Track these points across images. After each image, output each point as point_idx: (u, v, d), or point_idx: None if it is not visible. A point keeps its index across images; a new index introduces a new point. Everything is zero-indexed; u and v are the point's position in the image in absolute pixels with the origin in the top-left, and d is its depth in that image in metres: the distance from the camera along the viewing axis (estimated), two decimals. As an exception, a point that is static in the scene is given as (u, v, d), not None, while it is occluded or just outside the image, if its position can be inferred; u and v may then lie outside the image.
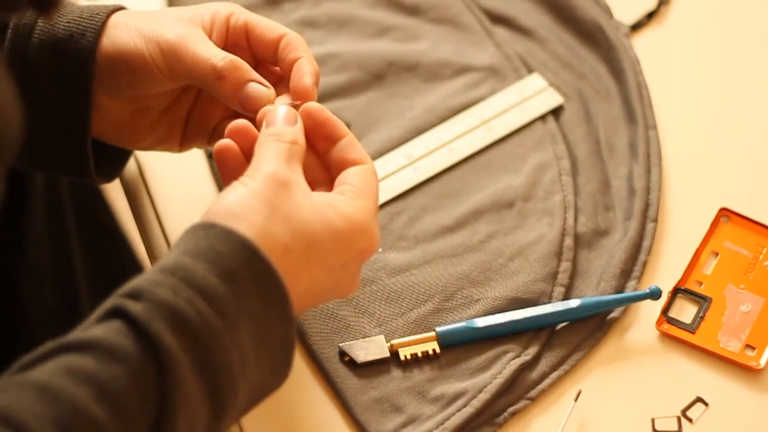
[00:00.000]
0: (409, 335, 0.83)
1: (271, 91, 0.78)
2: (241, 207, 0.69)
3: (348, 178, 0.74)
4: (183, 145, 0.84)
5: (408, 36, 0.98)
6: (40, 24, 0.78)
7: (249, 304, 0.67)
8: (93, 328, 0.64)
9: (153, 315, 0.64)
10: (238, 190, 0.70)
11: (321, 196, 0.72)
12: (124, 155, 0.86)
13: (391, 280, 0.86)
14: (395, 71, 0.96)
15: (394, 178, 0.91)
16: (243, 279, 0.67)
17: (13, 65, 0.78)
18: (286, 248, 0.69)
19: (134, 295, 0.65)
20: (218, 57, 0.77)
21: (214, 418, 0.66)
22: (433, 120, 0.94)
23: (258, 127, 0.75)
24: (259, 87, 0.77)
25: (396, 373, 0.82)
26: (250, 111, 0.77)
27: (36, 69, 0.78)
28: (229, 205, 0.69)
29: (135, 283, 0.66)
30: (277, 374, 0.69)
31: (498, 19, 1.00)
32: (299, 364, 0.83)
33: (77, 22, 0.78)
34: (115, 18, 0.79)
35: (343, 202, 0.72)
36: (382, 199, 0.89)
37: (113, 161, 0.85)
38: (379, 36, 0.98)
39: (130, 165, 0.93)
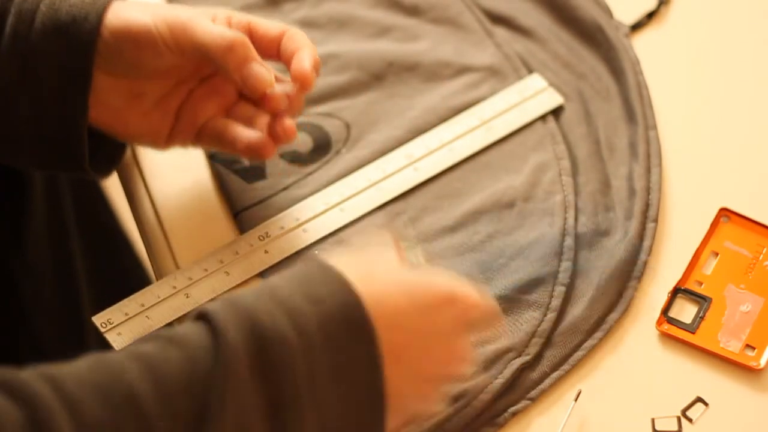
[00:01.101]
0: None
1: (272, 75, 0.81)
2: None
3: None
4: (169, 139, 0.85)
5: (408, 36, 0.98)
6: (43, 8, 0.79)
7: (329, 327, 0.64)
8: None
9: (223, 307, 0.64)
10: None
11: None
12: (116, 153, 0.87)
13: (392, 280, 0.86)
14: (395, 71, 0.96)
15: (394, 178, 0.91)
16: (326, 303, 0.65)
17: (15, 49, 0.79)
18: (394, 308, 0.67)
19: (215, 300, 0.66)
20: (228, 31, 0.80)
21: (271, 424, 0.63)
22: (434, 120, 0.94)
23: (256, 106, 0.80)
24: (262, 68, 0.81)
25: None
26: (251, 89, 0.81)
27: (38, 52, 0.80)
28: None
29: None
30: (366, 416, 0.64)
31: (498, 19, 1.00)
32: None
33: (80, 6, 0.79)
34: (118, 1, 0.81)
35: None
36: (383, 200, 0.90)
37: (107, 157, 0.86)
38: (379, 36, 0.98)
39: (130, 165, 0.93)
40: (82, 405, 0.59)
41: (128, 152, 0.93)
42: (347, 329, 0.64)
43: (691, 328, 0.83)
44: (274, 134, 0.83)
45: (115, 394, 0.60)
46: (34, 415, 0.58)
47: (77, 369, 0.61)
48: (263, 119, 0.83)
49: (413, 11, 1.00)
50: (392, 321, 0.66)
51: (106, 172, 0.88)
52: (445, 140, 0.93)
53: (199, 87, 0.85)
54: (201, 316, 0.64)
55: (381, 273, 0.68)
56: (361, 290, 0.65)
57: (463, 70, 0.96)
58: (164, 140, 0.85)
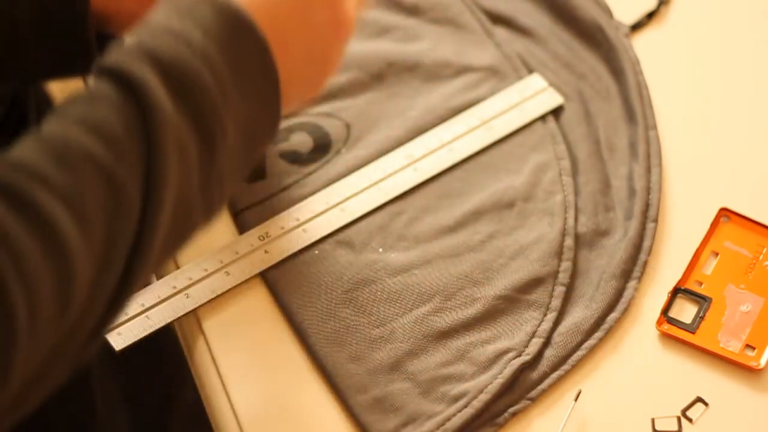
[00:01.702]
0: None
1: None
2: None
3: None
4: None
5: (408, 36, 0.98)
6: None
7: (225, 48, 0.69)
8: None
9: (135, 62, 0.67)
10: None
11: None
12: None
13: (392, 280, 0.86)
14: (395, 71, 0.96)
15: (394, 178, 0.91)
16: (216, 28, 0.69)
17: None
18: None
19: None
20: None
21: (204, 144, 0.67)
22: (434, 120, 0.94)
23: None
24: None
25: (396, 374, 0.82)
26: None
27: None
28: None
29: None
30: (266, 107, 0.71)
31: (498, 19, 1.00)
32: (299, 363, 0.83)
33: None
34: None
35: None
36: (383, 200, 0.90)
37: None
38: (379, 36, 0.98)
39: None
40: (49, 177, 0.62)
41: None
42: (239, 44, 0.70)
43: (691, 328, 0.83)
44: None
45: (73, 158, 0.63)
46: (14, 202, 0.61)
47: (27, 150, 0.63)
48: None
49: (413, 11, 1.00)
50: (276, 17, 0.72)
51: None
52: (445, 140, 0.93)
53: None
54: (115, 75, 0.67)
55: None
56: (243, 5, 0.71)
57: (463, 70, 0.96)
58: None
